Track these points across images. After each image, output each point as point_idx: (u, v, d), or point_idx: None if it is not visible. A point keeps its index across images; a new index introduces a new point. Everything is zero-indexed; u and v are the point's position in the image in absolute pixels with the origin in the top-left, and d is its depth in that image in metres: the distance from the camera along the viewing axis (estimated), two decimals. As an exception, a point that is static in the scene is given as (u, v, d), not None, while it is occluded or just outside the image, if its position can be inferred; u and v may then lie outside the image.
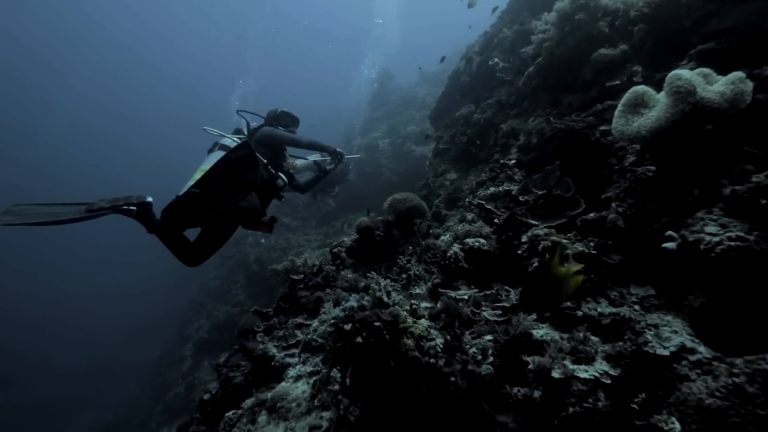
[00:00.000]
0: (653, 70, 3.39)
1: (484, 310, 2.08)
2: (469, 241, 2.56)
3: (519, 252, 2.33)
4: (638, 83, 3.50)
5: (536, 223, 2.42)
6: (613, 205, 2.04)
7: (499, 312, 2.00)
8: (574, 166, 3.30)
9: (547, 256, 2.03)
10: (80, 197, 2.82)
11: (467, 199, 4.04)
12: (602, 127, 3.33)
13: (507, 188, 3.80)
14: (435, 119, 7.85)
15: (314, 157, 3.97)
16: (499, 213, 3.48)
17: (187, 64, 48.83)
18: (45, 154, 41.74)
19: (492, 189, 3.86)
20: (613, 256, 1.88)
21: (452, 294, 2.16)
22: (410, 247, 4.00)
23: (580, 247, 1.94)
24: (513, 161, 4.10)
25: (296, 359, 2.97)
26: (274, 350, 3.08)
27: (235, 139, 3.39)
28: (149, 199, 2.81)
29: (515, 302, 1.97)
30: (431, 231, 4.60)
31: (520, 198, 3.48)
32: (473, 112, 5.70)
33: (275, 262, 11.20)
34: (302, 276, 3.74)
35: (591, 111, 3.43)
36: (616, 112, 2.10)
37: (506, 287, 2.22)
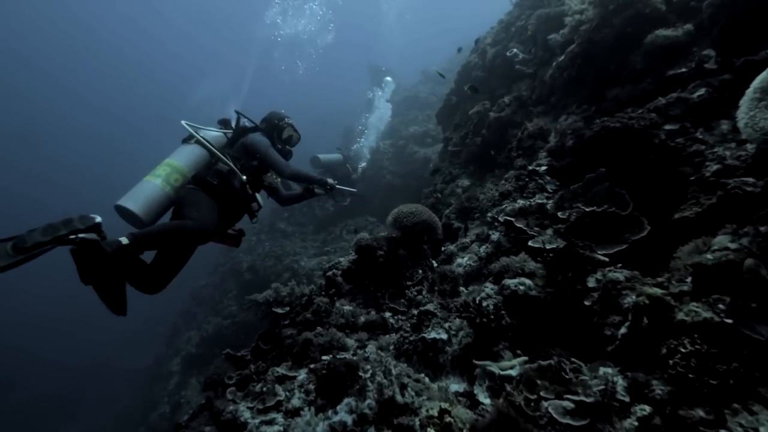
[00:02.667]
0: (730, 54, 2.69)
1: (546, 397, 1.37)
2: (511, 283, 1.85)
3: (586, 303, 1.62)
4: (711, 71, 2.80)
5: (606, 259, 1.71)
6: (743, 241, 1.33)
7: (572, 405, 1.29)
8: (623, 175, 2.62)
9: (645, 321, 1.32)
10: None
11: (490, 214, 3.34)
12: (668, 126, 2.64)
13: (539, 201, 3.12)
14: (442, 119, 7.15)
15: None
16: (532, 233, 2.79)
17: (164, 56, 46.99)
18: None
19: (521, 202, 3.16)
20: (761, 328, 1.19)
21: (494, 369, 1.46)
22: (420, 271, 3.30)
23: (702, 311, 1.24)
24: (544, 167, 3.40)
25: (275, 428, 2.28)
26: (247, 414, 2.39)
27: (220, 132, 2.96)
28: (98, 219, 2.15)
29: (598, 394, 1.26)
30: (444, 249, 3.90)
31: (559, 215, 2.79)
32: (488, 110, 5.00)
33: (269, 270, 10.49)
34: (288, 309, 3.04)
35: (652, 106, 2.73)
36: (747, 102, 1.39)
37: (572, 358, 1.52)
